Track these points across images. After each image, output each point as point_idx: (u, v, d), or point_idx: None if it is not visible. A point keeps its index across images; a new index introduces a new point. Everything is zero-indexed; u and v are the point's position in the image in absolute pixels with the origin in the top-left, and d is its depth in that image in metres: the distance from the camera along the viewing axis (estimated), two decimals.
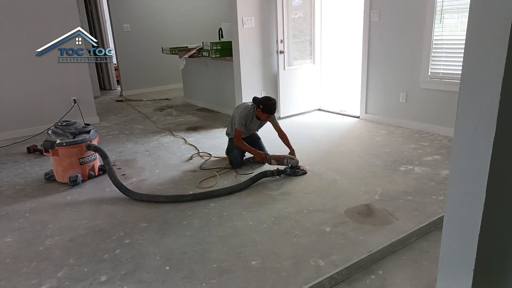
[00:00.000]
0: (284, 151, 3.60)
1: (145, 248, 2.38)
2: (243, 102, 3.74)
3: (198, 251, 2.32)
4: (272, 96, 5.17)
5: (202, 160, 3.86)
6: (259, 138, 3.81)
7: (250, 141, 3.69)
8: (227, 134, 3.78)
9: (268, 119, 3.59)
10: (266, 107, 3.44)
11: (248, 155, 3.66)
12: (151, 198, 3.01)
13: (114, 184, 3.12)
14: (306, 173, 3.39)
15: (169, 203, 2.94)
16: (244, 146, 3.54)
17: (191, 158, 3.93)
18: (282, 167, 3.39)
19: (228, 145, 3.76)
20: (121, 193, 3.11)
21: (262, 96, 3.59)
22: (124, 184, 3.15)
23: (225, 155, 3.82)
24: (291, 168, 3.33)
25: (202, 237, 2.47)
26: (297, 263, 2.17)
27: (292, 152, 3.54)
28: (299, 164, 3.41)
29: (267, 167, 3.55)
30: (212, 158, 3.91)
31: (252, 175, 3.30)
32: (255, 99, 3.54)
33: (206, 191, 3.06)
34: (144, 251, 2.35)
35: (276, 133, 3.65)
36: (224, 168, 3.62)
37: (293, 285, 1.99)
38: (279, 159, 3.46)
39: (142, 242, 2.45)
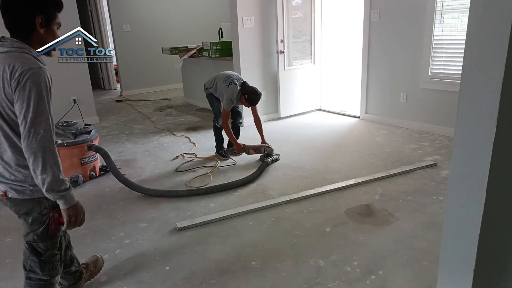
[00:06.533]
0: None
1: (145, 248, 2.38)
2: (230, 73, 3.76)
3: (198, 251, 2.32)
4: (272, 96, 5.25)
5: (200, 161, 3.87)
6: (239, 111, 3.98)
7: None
8: (206, 89, 3.86)
9: (248, 107, 3.75)
10: (250, 99, 3.59)
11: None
12: (164, 193, 3.07)
13: (121, 182, 3.14)
14: (279, 156, 3.75)
15: (169, 204, 2.95)
16: (228, 131, 3.72)
17: (175, 158, 3.96)
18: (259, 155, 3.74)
19: (208, 100, 3.94)
20: (121, 193, 3.10)
21: (252, 86, 3.65)
22: (129, 180, 3.18)
23: (208, 156, 3.93)
24: (267, 156, 3.67)
25: (202, 237, 2.48)
26: (297, 263, 2.17)
27: (263, 140, 3.85)
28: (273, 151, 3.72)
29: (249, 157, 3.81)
30: (196, 159, 3.93)
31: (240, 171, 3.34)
32: (244, 85, 3.61)
33: (220, 184, 3.19)
34: (144, 251, 2.35)
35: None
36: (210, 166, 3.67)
37: (293, 285, 1.99)
38: (256, 149, 3.79)
39: (142, 242, 2.45)
